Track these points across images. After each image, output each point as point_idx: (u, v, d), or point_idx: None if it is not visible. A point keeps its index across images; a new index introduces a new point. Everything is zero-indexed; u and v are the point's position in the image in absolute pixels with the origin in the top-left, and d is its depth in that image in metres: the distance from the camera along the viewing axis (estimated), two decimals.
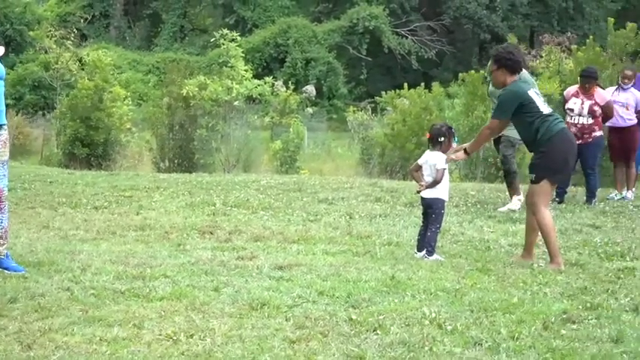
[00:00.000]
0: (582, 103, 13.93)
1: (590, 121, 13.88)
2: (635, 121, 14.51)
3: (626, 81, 14.66)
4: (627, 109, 14.49)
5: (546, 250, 9.79)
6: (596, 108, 13.90)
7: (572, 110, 14.03)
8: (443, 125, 10.08)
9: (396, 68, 57.00)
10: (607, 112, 14.12)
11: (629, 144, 14.64)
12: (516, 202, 13.21)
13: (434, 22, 58.35)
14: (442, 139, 9.74)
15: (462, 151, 9.66)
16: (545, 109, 9.31)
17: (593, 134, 13.97)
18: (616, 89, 14.77)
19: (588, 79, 14.12)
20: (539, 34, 52.33)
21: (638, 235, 11.18)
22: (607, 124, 14.84)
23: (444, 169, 9.68)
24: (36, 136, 34.13)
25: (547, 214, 9.26)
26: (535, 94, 9.37)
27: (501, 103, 9.45)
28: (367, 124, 30.99)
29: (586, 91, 14.04)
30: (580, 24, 58.09)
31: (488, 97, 13.27)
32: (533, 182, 9.32)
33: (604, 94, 14.22)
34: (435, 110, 26.07)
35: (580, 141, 13.80)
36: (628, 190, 14.73)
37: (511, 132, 11.75)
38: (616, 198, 14.54)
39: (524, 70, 11.02)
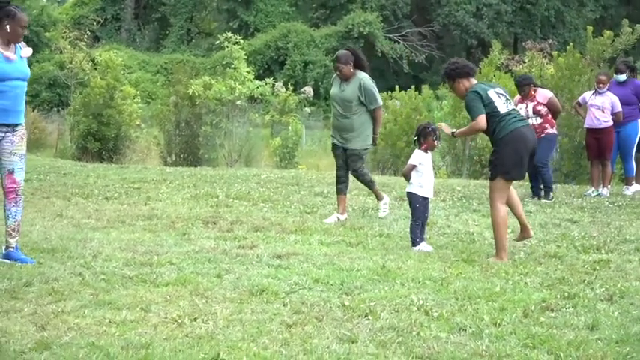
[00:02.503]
0: (526, 107, 13.96)
1: (539, 120, 13.92)
2: (611, 123, 14.50)
3: (600, 85, 14.64)
4: (603, 111, 14.47)
5: (526, 242, 9.83)
6: (539, 107, 13.98)
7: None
8: (420, 126, 10.13)
9: (389, 71, 56.98)
10: (552, 108, 14.17)
11: (605, 144, 14.62)
12: (384, 208, 12.07)
13: (424, 29, 58.36)
14: (415, 138, 9.99)
15: (450, 131, 9.63)
16: (503, 108, 9.12)
17: (545, 131, 13.96)
18: (593, 93, 14.76)
19: (520, 87, 14.32)
20: (523, 40, 52.35)
21: (613, 229, 11.18)
22: (585, 125, 14.86)
23: (413, 165, 9.73)
24: (51, 131, 34.09)
25: (501, 210, 9.11)
26: (495, 94, 9.18)
27: (470, 105, 9.19)
28: None
29: (525, 96, 14.16)
30: (561, 32, 58.20)
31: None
32: (489, 179, 9.31)
33: (545, 93, 14.30)
34: (425, 111, 26.04)
35: None
36: (604, 187, 14.72)
37: (356, 144, 11.65)
38: (592, 195, 14.54)
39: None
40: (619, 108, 14.45)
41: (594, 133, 14.67)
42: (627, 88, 14.88)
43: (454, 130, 9.79)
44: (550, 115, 14.08)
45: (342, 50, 12.00)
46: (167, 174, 16.94)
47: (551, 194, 13.96)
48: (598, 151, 14.70)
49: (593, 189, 14.79)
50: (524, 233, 9.58)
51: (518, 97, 14.27)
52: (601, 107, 14.47)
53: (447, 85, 9.95)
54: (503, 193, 9.15)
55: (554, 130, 14.21)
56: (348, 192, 14.10)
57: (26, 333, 5.83)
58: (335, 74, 11.99)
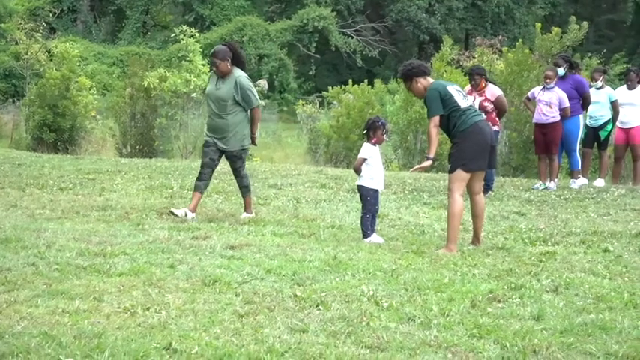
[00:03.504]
0: (474, 100, 13.46)
1: (483, 116, 13.51)
2: (558, 118, 14.56)
3: (547, 80, 14.67)
4: (550, 107, 14.51)
5: (476, 235, 9.87)
6: (486, 104, 13.73)
7: None
8: (370, 120, 10.17)
9: (342, 65, 57.15)
10: (499, 107, 13.93)
11: (552, 139, 14.68)
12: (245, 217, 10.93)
13: (377, 24, 58.50)
14: (365, 131, 9.99)
15: (426, 160, 9.49)
16: (463, 103, 9.23)
17: None
18: (542, 89, 14.82)
19: (472, 76, 14.07)
20: (474, 36, 52.67)
21: (559, 222, 11.29)
22: (533, 120, 14.96)
23: (363, 158, 9.76)
24: (6, 122, 33.70)
25: (459, 201, 9.17)
26: (455, 90, 9.29)
27: (428, 102, 9.27)
28: (315, 116, 31.06)
29: (475, 87, 13.93)
30: (511, 28, 58.52)
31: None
32: (449, 171, 9.35)
33: (494, 90, 14.05)
34: (377, 105, 26.16)
35: None
36: (551, 181, 14.82)
37: (233, 144, 10.93)
38: (540, 188, 14.65)
39: None
40: (566, 103, 14.52)
41: (542, 128, 14.75)
42: (567, 83, 14.93)
43: (429, 156, 9.53)
44: (495, 113, 13.85)
45: (220, 45, 11.18)
46: (122, 165, 16.85)
47: (490, 192, 13.65)
48: (545, 145, 14.79)
49: (540, 182, 14.91)
50: (474, 239, 9.64)
51: (468, 87, 14.09)
52: (548, 103, 14.53)
53: (405, 87, 9.93)
54: (462, 184, 9.22)
55: (496, 128, 14.01)
56: (301, 184, 14.09)
57: None
58: (212, 70, 11.22)
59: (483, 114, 12.93)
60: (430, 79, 9.51)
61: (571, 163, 15.39)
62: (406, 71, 9.53)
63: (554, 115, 14.55)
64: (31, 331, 5.59)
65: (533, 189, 14.63)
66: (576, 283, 7.57)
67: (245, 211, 11.15)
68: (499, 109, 13.96)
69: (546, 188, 14.64)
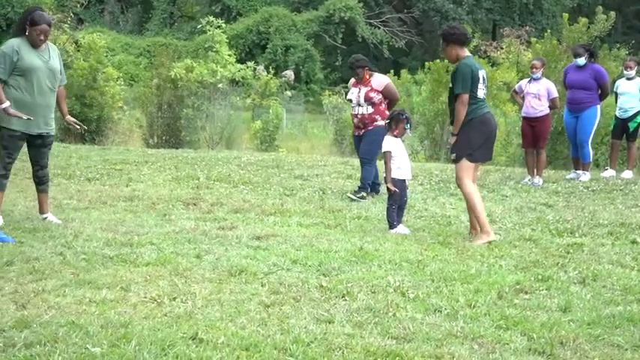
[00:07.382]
0: (359, 92, 12.52)
1: (370, 110, 12.42)
2: (547, 110, 14.33)
3: (534, 70, 14.46)
4: (539, 99, 14.27)
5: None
6: (372, 94, 12.43)
7: (351, 101, 12.87)
8: (394, 111, 10.18)
9: (369, 56, 56.59)
10: (389, 96, 12.63)
11: (540, 132, 14.40)
12: None
13: (404, 15, 58.39)
14: (387, 121, 10.08)
15: (452, 136, 9.40)
16: (480, 93, 9.19)
17: (375, 123, 12.40)
18: (529, 81, 14.58)
19: (353, 70, 12.80)
20: (501, 27, 52.42)
21: (587, 213, 11.22)
22: (522, 113, 14.76)
23: (388, 151, 9.74)
24: None
25: (472, 190, 9.19)
26: (482, 77, 9.23)
27: (461, 76, 9.12)
28: (341, 107, 30.94)
29: (359, 81, 12.69)
30: (539, 19, 58.30)
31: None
32: (454, 161, 9.36)
33: (381, 79, 12.72)
34: (404, 95, 26.06)
35: (362, 130, 12.59)
36: (537, 175, 14.42)
37: (53, 125, 9.31)
38: (528, 183, 14.11)
39: None
40: (555, 94, 14.33)
41: (530, 122, 14.44)
42: (586, 73, 14.55)
43: (454, 133, 9.43)
44: (384, 105, 12.51)
45: (39, 11, 9.11)
46: (149, 155, 16.90)
47: (362, 193, 12.21)
48: (533, 139, 14.50)
49: (529, 177, 14.50)
50: (472, 230, 9.57)
51: (352, 81, 13.14)
52: (537, 95, 14.25)
53: (441, 46, 9.77)
54: (470, 172, 9.21)
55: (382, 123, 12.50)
56: (327, 175, 14.08)
57: (6, 311, 5.80)
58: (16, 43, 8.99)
59: (370, 107, 12.36)
60: (466, 51, 9.45)
61: (582, 154, 14.85)
62: (447, 34, 9.41)
63: (543, 109, 14.31)
64: (58, 321, 5.61)
65: (522, 184, 14.14)
66: (604, 274, 7.54)
67: (48, 210, 9.61)
68: (389, 98, 12.66)
69: (532, 184, 14.18)
